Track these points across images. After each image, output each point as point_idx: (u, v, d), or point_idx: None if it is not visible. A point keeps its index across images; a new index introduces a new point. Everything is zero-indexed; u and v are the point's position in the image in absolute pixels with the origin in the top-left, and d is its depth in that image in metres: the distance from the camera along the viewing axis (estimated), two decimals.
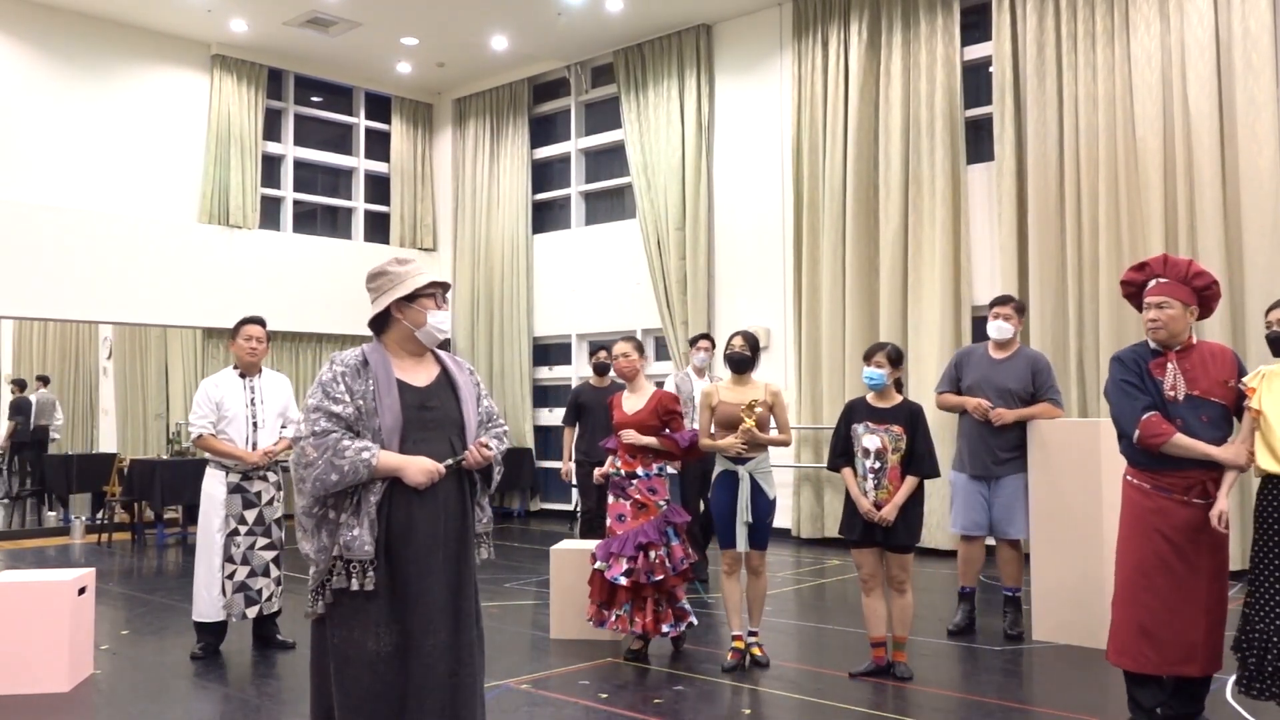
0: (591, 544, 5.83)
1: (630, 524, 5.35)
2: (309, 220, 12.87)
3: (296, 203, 12.57)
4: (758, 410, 5.15)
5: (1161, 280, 4.05)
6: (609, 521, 5.48)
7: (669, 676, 5.15)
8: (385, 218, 13.30)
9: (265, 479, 5.68)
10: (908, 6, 9.49)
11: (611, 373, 7.51)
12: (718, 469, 5.36)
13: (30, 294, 10.22)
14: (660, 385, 5.97)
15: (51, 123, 10.58)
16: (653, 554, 5.27)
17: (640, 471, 5.40)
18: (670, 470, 5.51)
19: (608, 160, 12.32)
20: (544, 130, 12.83)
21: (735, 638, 5.30)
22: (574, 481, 7.97)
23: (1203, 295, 4.07)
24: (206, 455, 5.74)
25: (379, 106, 13.26)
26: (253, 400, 5.70)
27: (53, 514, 11.97)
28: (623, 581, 5.25)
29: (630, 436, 5.39)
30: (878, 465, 4.97)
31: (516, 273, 12.51)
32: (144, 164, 11.17)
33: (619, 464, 5.47)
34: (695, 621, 5.59)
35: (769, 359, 10.04)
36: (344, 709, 2.98)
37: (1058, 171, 8.58)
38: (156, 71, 11.33)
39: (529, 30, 11.26)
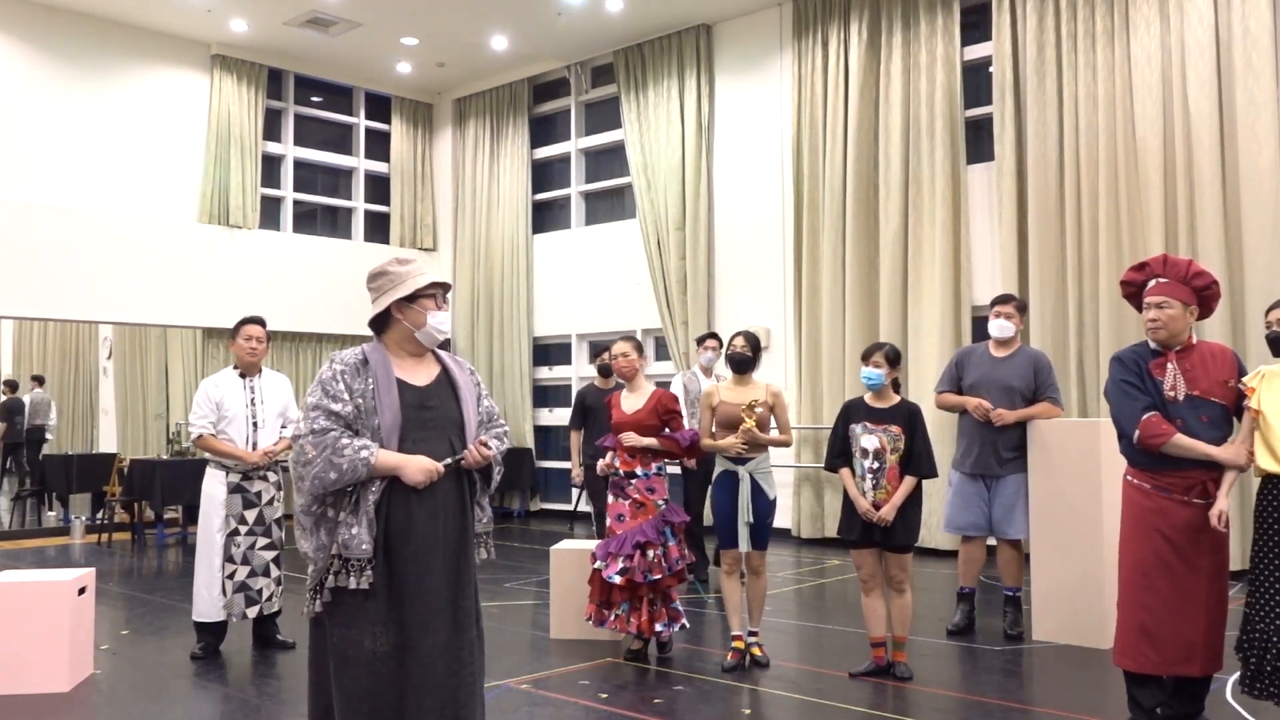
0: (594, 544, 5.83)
1: (629, 523, 5.35)
2: (309, 220, 12.88)
3: (296, 203, 12.57)
4: (758, 411, 5.15)
5: (1161, 280, 4.05)
6: (609, 521, 5.48)
7: (669, 676, 5.15)
8: (385, 218, 13.30)
9: (265, 479, 5.68)
10: (908, 6, 9.49)
11: None
12: (718, 469, 5.36)
13: (30, 294, 10.22)
14: (666, 385, 5.96)
15: (51, 123, 10.58)
16: (650, 553, 5.28)
17: (639, 471, 5.40)
18: (671, 470, 5.51)
19: (608, 160, 12.32)
20: (544, 130, 12.83)
21: (735, 638, 5.31)
22: (582, 484, 7.96)
23: (1203, 295, 4.07)
24: (206, 455, 5.74)
25: (379, 106, 13.27)
26: (253, 400, 5.70)
27: (53, 514, 11.97)
28: (617, 580, 5.25)
29: (630, 439, 5.39)
30: (876, 465, 4.97)
31: (516, 273, 12.51)
32: (144, 164, 11.17)
33: (617, 463, 5.47)
34: (687, 624, 5.59)
35: (769, 359, 10.03)
36: (342, 708, 2.98)
37: (1058, 171, 8.58)
38: (156, 71, 11.33)
39: (529, 30, 11.26)
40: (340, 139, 13.13)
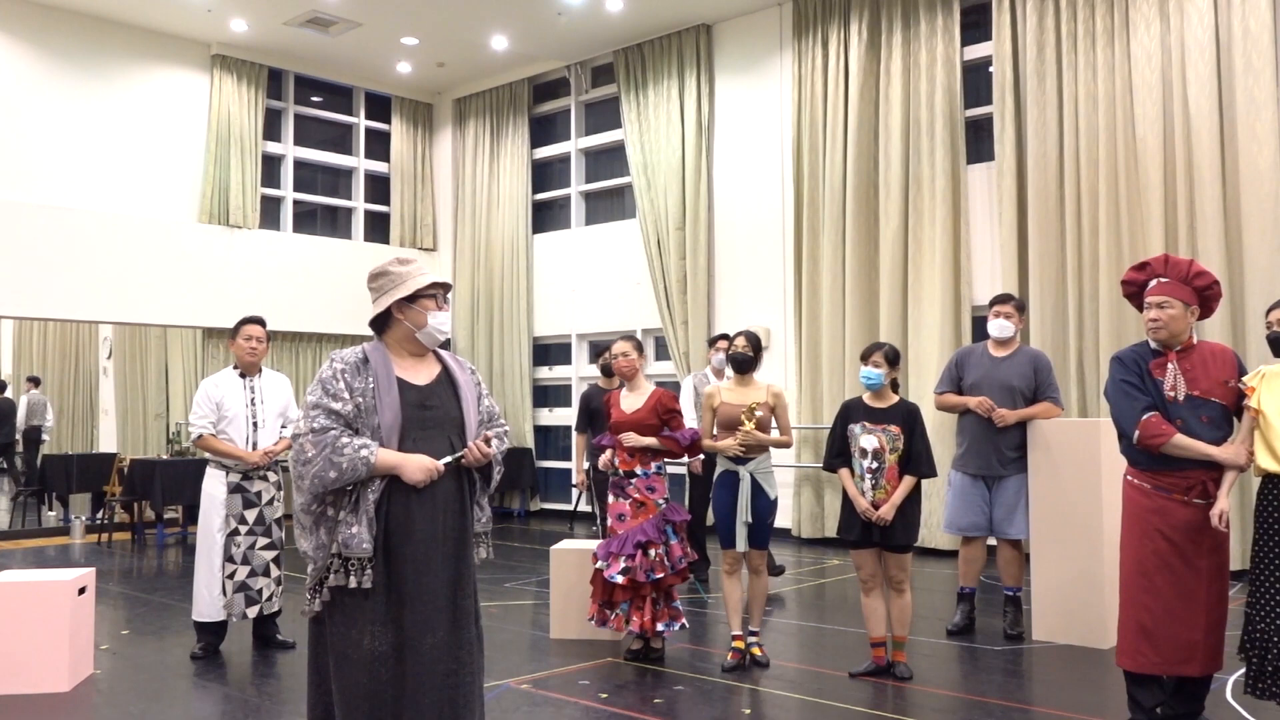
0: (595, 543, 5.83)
1: (630, 523, 5.35)
2: (309, 220, 12.88)
3: (296, 203, 12.57)
4: (758, 414, 5.15)
5: (1163, 280, 4.04)
6: (609, 521, 5.48)
7: (669, 676, 5.14)
8: (385, 218, 13.30)
9: (265, 479, 5.68)
10: (908, 6, 9.49)
11: None
12: (719, 469, 5.36)
13: (30, 294, 10.22)
14: (666, 385, 5.96)
15: (51, 123, 10.58)
16: (652, 552, 5.28)
17: (639, 470, 5.40)
18: (672, 469, 5.50)
19: (608, 160, 12.32)
20: (544, 130, 12.83)
21: (735, 638, 5.30)
22: (587, 486, 7.94)
23: (1204, 295, 4.07)
24: (206, 455, 5.74)
25: (379, 106, 13.27)
26: (253, 400, 5.70)
27: (53, 514, 11.97)
28: (619, 580, 5.25)
29: (630, 439, 5.39)
30: (875, 465, 4.97)
31: (516, 273, 12.51)
32: (144, 164, 11.17)
33: (616, 462, 5.47)
34: (686, 624, 5.59)
35: (769, 359, 10.03)
36: (342, 707, 2.98)
37: (1058, 171, 8.58)
38: (156, 71, 11.33)
39: (529, 30, 11.25)
40: (340, 139, 13.13)
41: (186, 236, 11.27)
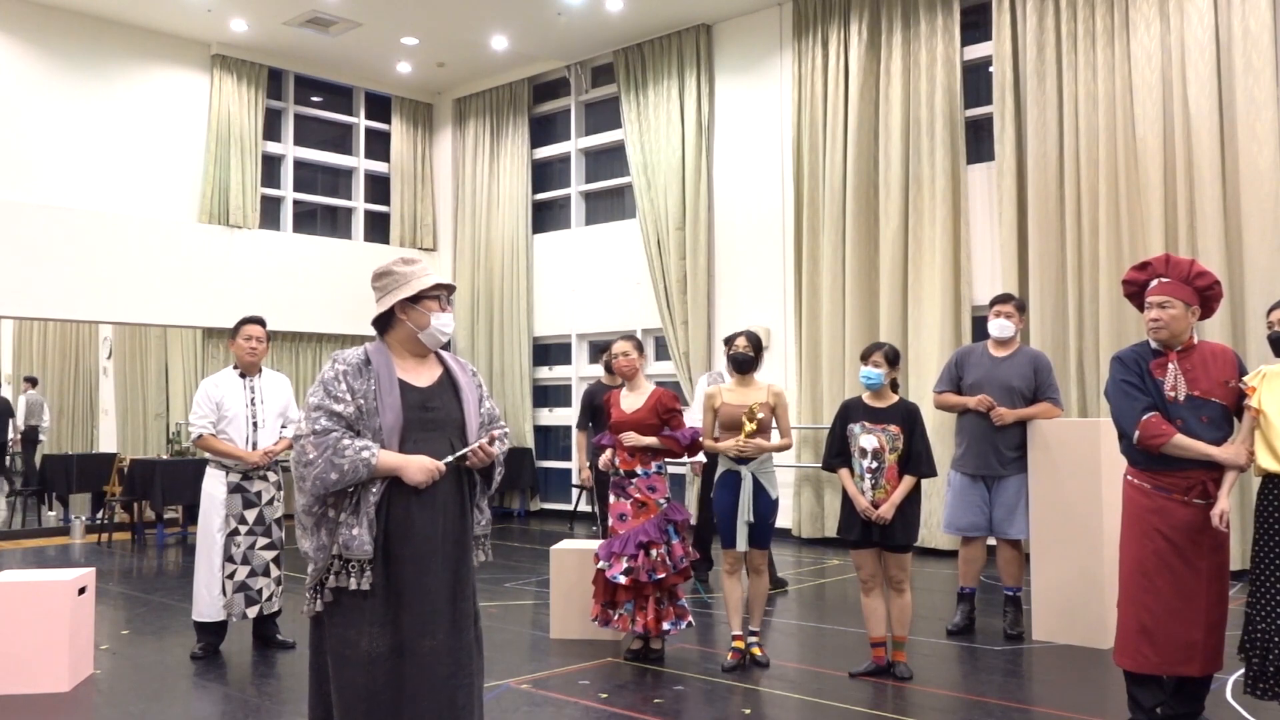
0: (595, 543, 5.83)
1: (631, 523, 5.35)
2: (309, 220, 12.88)
3: (296, 203, 12.57)
4: (759, 416, 5.15)
5: (1164, 280, 4.04)
6: (611, 521, 5.48)
7: (669, 676, 5.15)
8: (385, 218, 13.30)
9: (265, 479, 5.68)
10: (908, 6, 9.50)
11: None
12: (721, 469, 5.36)
13: (30, 294, 10.22)
14: (673, 386, 5.96)
15: (51, 123, 10.58)
16: (654, 552, 5.27)
17: (639, 470, 5.40)
18: (672, 470, 5.50)
19: (608, 160, 12.32)
20: (544, 130, 12.83)
21: (735, 637, 5.30)
22: (591, 485, 7.96)
23: (1205, 295, 4.06)
24: (207, 455, 5.74)
25: (379, 106, 13.27)
26: (253, 400, 5.70)
27: (53, 514, 11.97)
28: (622, 580, 5.25)
29: (631, 439, 5.39)
30: (875, 465, 4.97)
31: (516, 273, 12.51)
32: (144, 164, 11.17)
33: (617, 461, 5.47)
34: (692, 622, 5.59)
35: (769, 359, 10.03)
36: (341, 708, 2.98)
37: (1058, 171, 8.58)
38: (156, 71, 11.32)
39: (529, 30, 11.25)
40: (340, 139, 13.13)
41: (186, 236, 11.27)
